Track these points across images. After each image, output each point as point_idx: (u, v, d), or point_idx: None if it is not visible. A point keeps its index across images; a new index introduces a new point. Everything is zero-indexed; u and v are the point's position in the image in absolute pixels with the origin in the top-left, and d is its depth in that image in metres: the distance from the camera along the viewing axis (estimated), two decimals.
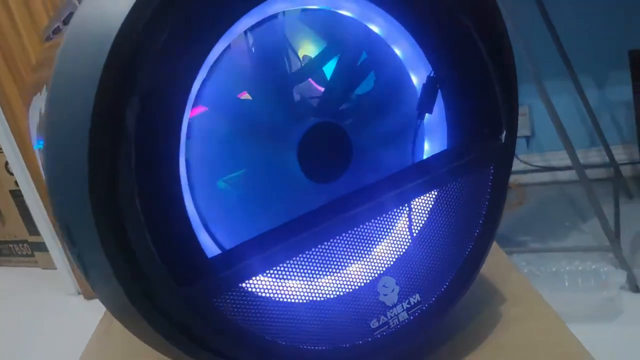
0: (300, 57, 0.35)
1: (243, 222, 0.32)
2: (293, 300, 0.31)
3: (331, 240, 0.31)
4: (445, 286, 0.35)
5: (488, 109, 0.35)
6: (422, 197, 0.34)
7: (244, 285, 0.29)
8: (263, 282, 0.30)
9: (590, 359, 0.35)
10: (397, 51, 0.36)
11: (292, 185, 0.33)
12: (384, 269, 0.33)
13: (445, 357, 0.37)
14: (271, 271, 0.30)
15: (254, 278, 0.29)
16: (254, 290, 0.29)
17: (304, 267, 0.31)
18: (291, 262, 0.30)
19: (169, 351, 0.29)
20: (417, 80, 0.36)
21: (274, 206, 0.33)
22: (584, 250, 1.11)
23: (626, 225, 1.19)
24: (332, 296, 0.32)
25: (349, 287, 0.32)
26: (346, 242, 0.32)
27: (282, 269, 0.30)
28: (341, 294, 0.32)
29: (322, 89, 0.34)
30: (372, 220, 0.32)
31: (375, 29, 0.34)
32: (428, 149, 0.37)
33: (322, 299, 0.32)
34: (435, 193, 0.34)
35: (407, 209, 0.33)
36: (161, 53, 0.26)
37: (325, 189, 0.34)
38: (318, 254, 0.31)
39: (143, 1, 0.25)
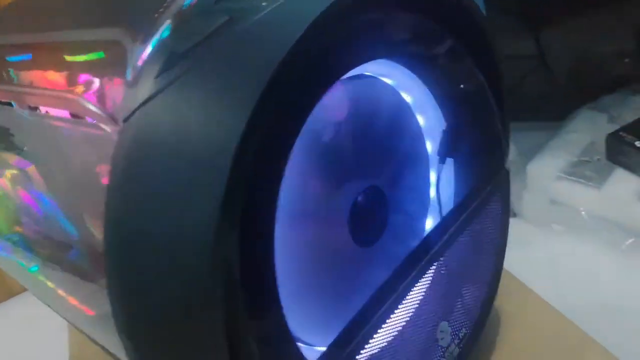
0: None
1: (312, 305, 0.31)
2: None
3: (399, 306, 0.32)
4: (479, 310, 0.38)
5: (494, 145, 0.37)
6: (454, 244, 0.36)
7: None
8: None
9: (595, 343, 0.40)
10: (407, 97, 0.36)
11: (344, 254, 0.33)
12: (439, 316, 0.35)
13: None
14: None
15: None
16: None
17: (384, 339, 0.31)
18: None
19: None
20: (424, 123, 0.37)
21: (333, 280, 0.33)
22: None
23: None
24: (406, 351, 0.33)
25: (418, 340, 0.34)
26: (408, 307, 0.33)
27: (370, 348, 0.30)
28: (412, 348, 0.33)
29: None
30: (421, 281, 0.34)
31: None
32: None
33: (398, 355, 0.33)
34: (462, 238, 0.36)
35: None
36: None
37: (367, 252, 0.34)
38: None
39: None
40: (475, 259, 0.37)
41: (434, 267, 0.34)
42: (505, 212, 0.39)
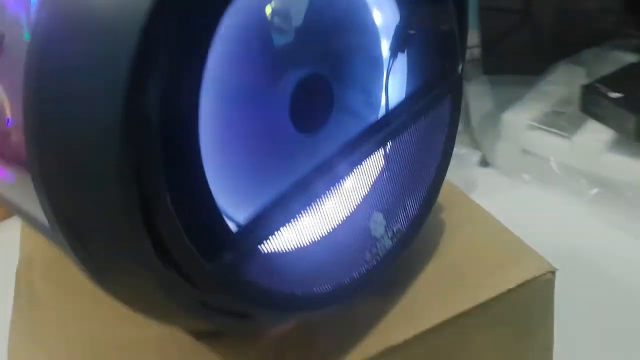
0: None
1: (246, 185, 0.32)
2: (307, 248, 0.32)
3: (331, 189, 0.32)
4: (417, 209, 0.38)
5: (448, 46, 0.37)
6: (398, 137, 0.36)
7: (266, 246, 0.29)
8: (282, 238, 0.30)
9: (532, 251, 0.41)
10: None
11: (284, 140, 0.33)
12: (373, 207, 0.35)
13: (408, 265, 0.41)
14: (289, 224, 0.30)
15: (274, 235, 0.30)
16: (274, 249, 0.30)
17: (314, 215, 0.32)
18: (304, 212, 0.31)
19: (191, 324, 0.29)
20: (380, 20, 0.37)
21: (271, 164, 0.33)
22: None
23: (472, 107, 1.32)
24: (338, 237, 0.34)
25: (350, 228, 0.34)
26: (340, 192, 0.33)
27: (297, 220, 0.31)
28: (345, 235, 0.34)
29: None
30: (358, 167, 0.34)
31: None
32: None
33: (329, 241, 0.33)
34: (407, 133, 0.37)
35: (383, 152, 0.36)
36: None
37: (309, 140, 0.34)
38: (324, 203, 0.32)
39: None
40: (417, 159, 0.38)
41: (373, 156, 0.34)
42: (454, 120, 0.40)
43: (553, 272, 0.40)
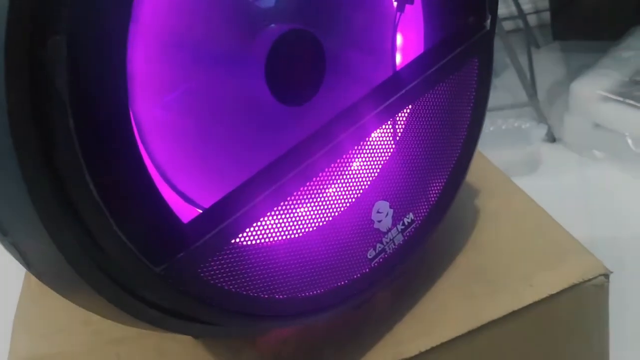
0: None
1: (209, 165, 0.26)
2: (285, 248, 0.26)
3: (318, 176, 0.26)
4: (436, 197, 0.32)
5: None
6: (407, 109, 0.29)
7: (231, 245, 0.24)
8: (251, 236, 0.25)
9: (588, 255, 0.34)
10: None
11: (259, 111, 0.27)
12: (375, 194, 0.29)
13: (431, 262, 0.35)
14: (260, 222, 0.25)
15: (242, 234, 0.24)
16: (242, 247, 0.25)
17: (294, 210, 0.26)
18: (280, 207, 0.25)
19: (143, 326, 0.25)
20: None
21: (244, 141, 0.27)
22: (503, 108, 1.12)
23: (540, 76, 1.21)
24: (327, 235, 0.28)
25: (343, 222, 0.28)
26: (333, 175, 0.27)
27: (271, 216, 0.25)
28: (336, 231, 0.28)
29: None
30: (357, 146, 0.27)
31: None
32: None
33: (316, 239, 0.27)
34: (422, 100, 0.30)
35: (391, 125, 0.29)
36: None
37: (296, 112, 0.28)
38: (307, 193, 0.26)
39: None
40: (437, 133, 0.31)
41: (379, 130, 0.28)
42: (484, 85, 0.32)
43: (606, 275, 0.33)
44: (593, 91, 1.00)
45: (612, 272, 0.33)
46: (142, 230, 0.21)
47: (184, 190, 0.25)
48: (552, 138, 1.10)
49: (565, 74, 1.21)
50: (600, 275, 0.33)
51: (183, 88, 0.25)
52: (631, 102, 0.96)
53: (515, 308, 0.32)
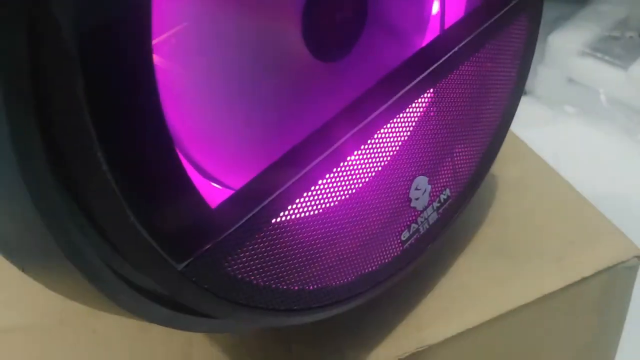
0: None
1: (238, 135, 0.22)
2: (316, 235, 0.22)
3: (360, 144, 0.22)
4: (473, 170, 0.28)
5: None
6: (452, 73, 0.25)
7: (262, 233, 0.20)
8: (283, 222, 0.21)
9: (620, 235, 0.32)
10: None
11: (294, 68, 0.22)
12: (415, 169, 0.25)
13: (451, 238, 0.32)
14: (296, 204, 0.21)
15: (276, 219, 0.20)
16: (272, 237, 0.20)
17: (331, 190, 0.22)
18: (316, 187, 0.21)
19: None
20: None
21: (278, 105, 0.22)
22: None
23: None
24: (362, 216, 0.24)
25: (380, 201, 0.24)
26: (374, 148, 0.23)
27: (308, 198, 0.21)
28: (372, 212, 0.24)
29: None
30: (398, 117, 0.23)
31: None
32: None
33: (350, 221, 0.24)
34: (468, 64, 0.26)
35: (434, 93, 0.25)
36: None
37: (331, 68, 0.23)
38: (341, 173, 0.22)
39: None
40: (478, 102, 0.27)
41: (419, 99, 0.24)
42: (530, 49, 0.29)
43: (639, 257, 0.31)
44: (570, 45, 0.98)
45: None
46: (164, 220, 0.17)
47: (208, 169, 0.21)
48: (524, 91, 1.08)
49: (541, 24, 1.18)
50: (635, 257, 0.30)
51: (208, 40, 0.20)
52: (608, 58, 0.95)
53: (546, 292, 0.29)
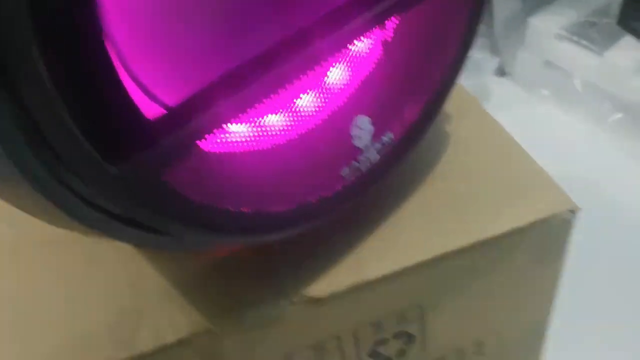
0: None
1: (175, 54, 0.22)
2: (256, 157, 0.23)
3: (294, 82, 0.23)
4: (419, 112, 0.29)
5: None
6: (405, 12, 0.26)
7: (198, 150, 0.21)
8: (219, 143, 0.22)
9: (557, 189, 0.33)
10: None
11: None
12: (356, 107, 0.26)
13: (398, 186, 0.33)
14: (229, 128, 0.22)
15: (209, 137, 0.21)
16: (209, 154, 0.21)
17: (266, 117, 0.23)
18: (254, 111, 0.22)
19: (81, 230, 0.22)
20: None
21: (216, 29, 0.23)
22: None
23: (498, 6, 1.18)
24: (301, 147, 0.25)
25: (320, 134, 0.25)
26: (311, 83, 0.24)
27: (241, 123, 0.22)
28: (312, 143, 0.25)
29: None
30: (339, 53, 0.24)
31: None
32: None
33: (290, 150, 0.25)
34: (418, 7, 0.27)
35: (378, 33, 0.26)
36: None
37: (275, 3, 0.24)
38: (280, 100, 0.23)
39: None
40: (427, 47, 0.28)
41: (366, 35, 0.25)
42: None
43: (573, 211, 0.32)
44: (549, 28, 1.00)
45: (580, 209, 0.32)
46: (98, 123, 0.18)
47: (146, 83, 0.22)
48: (502, 72, 1.10)
49: (522, 8, 1.19)
50: (569, 210, 0.32)
51: None
52: (584, 42, 0.96)
53: (482, 238, 0.31)
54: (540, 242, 0.33)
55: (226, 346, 0.30)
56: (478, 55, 1.02)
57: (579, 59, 0.96)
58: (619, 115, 0.93)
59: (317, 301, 0.30)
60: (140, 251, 0.33)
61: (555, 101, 1.00)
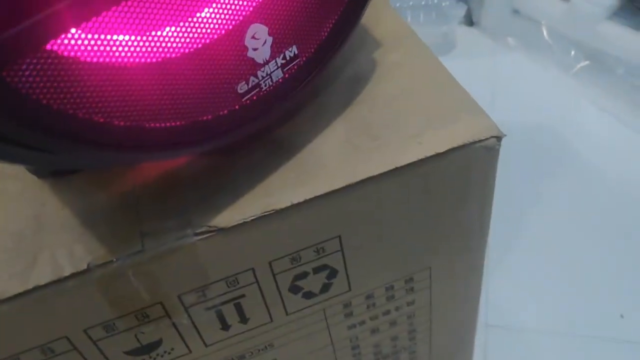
0: None
1: None
2: (129, 61, 0.21)
3: None
4: (327, 32, 0.27)
5: None
6: None
7: (53, 46, 0.19)
8: (82, 40, 0.20)
9: (483, 115, 0.32)
10: None
11: None
12: (252, 14, 0.24)
13: (315, 113, 0.32)
14: (94, 21, 0.19)
15: (70, 33, 0.19)
16: (68, 53, 0.19)
17: (143, 11, 0.21)
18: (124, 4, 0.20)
19: None
20: None
21: None
22: None
23: None
24: (184, 52, 0.23)
25: (207, 38, 0.23)
26: None
27: (112, 15, 0.20)
28: (197, 49, 0.23)
29: None
30: None
31: None
32: None
33: (171, 56, 0.23)
34: None
35: None
36: None
37: None
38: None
39: None
40: None
41: None
42: None
43: (499, 138, 0.31)
44: None
45: (505, 135, 0.31)
46: None
47: None
48: (469, 21, 1.07)
49: None
50: (493, 137, 0.30)
51: None
52: None
53: (398, 165, 0.29)
54: (463, 171, 0.31)
55: (128, 278, 0.28)
56: (445, 3, 1.00)
57: (546, 6, 0.94)
58: (586, 62, 0.91)
59: (224, 231, 0.28)
60: (46, 183, 0.31)
61: (522, 50, 0.98)
